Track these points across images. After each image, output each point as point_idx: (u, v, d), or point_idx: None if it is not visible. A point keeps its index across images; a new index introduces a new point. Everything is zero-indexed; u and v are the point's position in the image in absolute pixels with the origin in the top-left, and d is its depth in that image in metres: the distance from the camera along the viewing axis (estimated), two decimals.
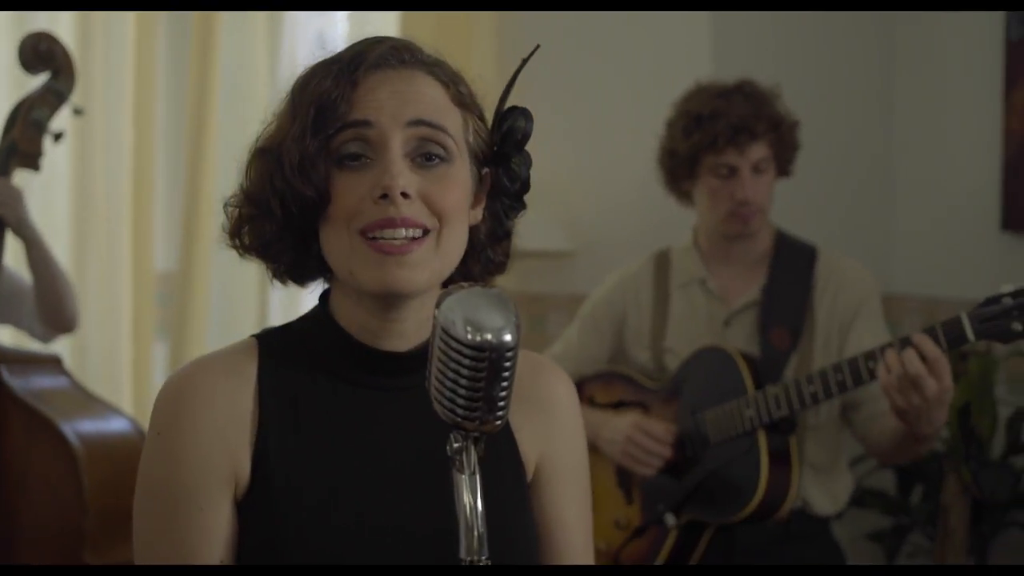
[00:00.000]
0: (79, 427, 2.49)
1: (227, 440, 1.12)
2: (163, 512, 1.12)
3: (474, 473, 0.94)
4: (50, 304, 2.66)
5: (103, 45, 3.42)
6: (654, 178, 2.35)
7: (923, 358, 1.79)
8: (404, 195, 1.08)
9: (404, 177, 1.09)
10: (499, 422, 0.93)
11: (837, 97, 3.04)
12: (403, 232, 1.09)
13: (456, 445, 0.95)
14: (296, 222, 1.13)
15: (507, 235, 1.23)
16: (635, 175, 2.73)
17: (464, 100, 1.18)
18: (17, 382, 2.54)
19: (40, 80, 2.70)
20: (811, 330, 2.20)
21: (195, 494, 1.11)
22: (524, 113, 1.20)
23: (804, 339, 2.20)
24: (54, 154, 3.13)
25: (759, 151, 2.18)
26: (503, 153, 1.19)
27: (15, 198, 2.58)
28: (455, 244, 1.14)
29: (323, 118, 1.10)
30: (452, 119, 1.14)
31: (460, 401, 0.91)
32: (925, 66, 3.05)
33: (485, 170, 1.19)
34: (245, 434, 1.12)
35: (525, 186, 1.22)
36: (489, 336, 0.89)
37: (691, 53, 2.91)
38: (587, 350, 2.37)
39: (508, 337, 0.90)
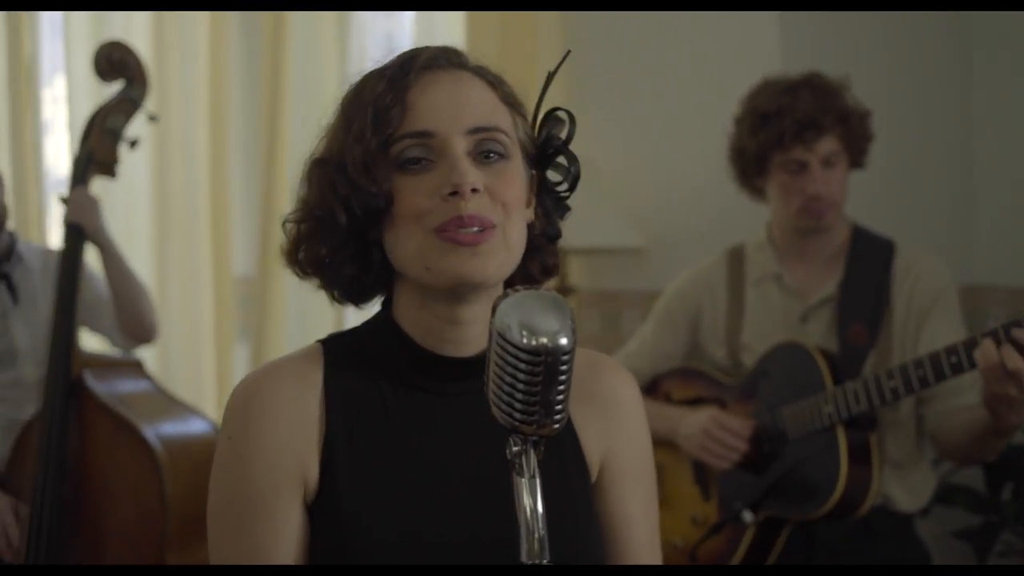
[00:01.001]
0: (160, 430, 2.53)
1: (295, 444, 1.13)
2: (235, 515, 1.14)
3: (534, 476, 0.94)
4: (128, 315, 2.71)
5: (177, 53, 3.48)
6: (726, 173, 2.34)
7: (1021, 352, 1.75)
8: (474, 190, 1.10)
9: (472, 173, 1.11)
10: (557, 425, 0.94)
11: (913, 86, 2.97)
12: (474, 230, 1.10)
13: (515, 449, 0.95)
14: (360, 228, 1.14)
15: (558, 236, 1.25)
16: (707, 170, 2.71)
17: (510, 99, 1.20)
18: (100, 386, 2.59)
19: (115, 89, 2.76)
20: (889, 326, 2.16)
21: (265, 497, 1.13)
22: (565, 116, 1.21)
23: (882, 335, 2.16)
24: (134, 162, 3.21)
25: (828, 145, 2.15)
26: (545, 156, 1.21)
27: (92, 207, 2.63)
28: (518, 238, 1.16)
29: (380, 120, 1.12)
30: (503, 117, 1.17)
31: (517, 405, 0.92)
32: (1003, 52, 2.97)
33: (533, 171, 1.21)
34: (312, 439, 1.14)
35: (572, 187, 1.24)
36: (545, 340, 0.89)
37: (760, 46, 2.87)
38: (662, 347, 2.36)
39: (564, 341, 0.90)
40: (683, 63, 3.07)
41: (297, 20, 3.41)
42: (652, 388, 2.35)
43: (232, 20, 3.49)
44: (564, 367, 0.91)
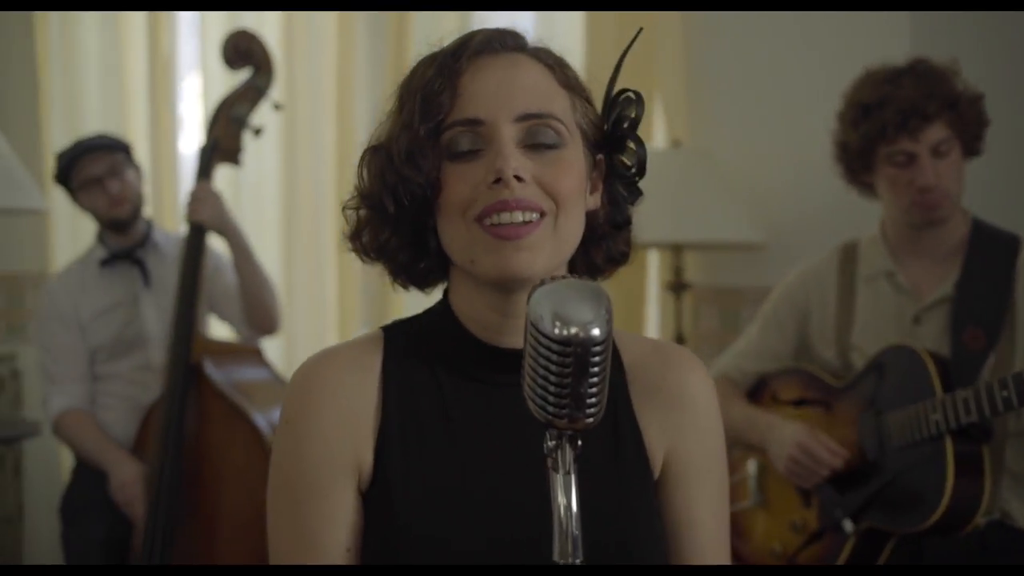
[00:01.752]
0: (273, 417, 2.59)
1: (351, 430, 1.13)
2: (289, 499, 1.14)
3: (569, 473, 0.92)
4: (252, 305, 2.79)
5: (306, 47, 3.55)
6: None
7: None
8: (518, 178, 1.08)
9: (516, 160, 1.09)
10: (591, 419, 0.90)
11: None
12: (519, 216, 1.08)
13: (551, 443, 0.92)
14: (409, 216, 1.13)
15: (627, 223, 1.20)
16: (829, 164, 2.61)
17: (571, 83, 1.17)
18: (218, 373, 2.67)
19: (242, 77, 2.83)
20: (1012, 330, 2.03)
21: (319, 482, 1.13)
22: (635, 97, 1.16)
23: (1003, 339, 2.03)
24: (262, 153, 3.29)
25: (936, 133, 2.04)
26: (615, 138, 1.17)
27: (214, 201, 2.71)
28: (572, 229, 1.13)
29: (429, 107, 1.11)
30: (560, 102, 1.14)
31: (550, 398, 0.89)
32: None
33: (599, 156, 1.18)
34: (368, 426, 1.14)
35: (641, 171, 1.18)
36: (575, 330, 0.86)
37: (889, 40, 2.75)
38: (769, 347, 2.29)
39: (596, 331, 0.87)
40: (805, 54, 2.97)
41: (420, 19, 3.43)
42: (759, 388, 2.28)
43: (359, 17, 3.53)
44: (596, 358, 0.88)
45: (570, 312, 0.87)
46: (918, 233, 2.13)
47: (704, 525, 1.19)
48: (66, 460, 2.87)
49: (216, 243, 2.86)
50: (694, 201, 2.91)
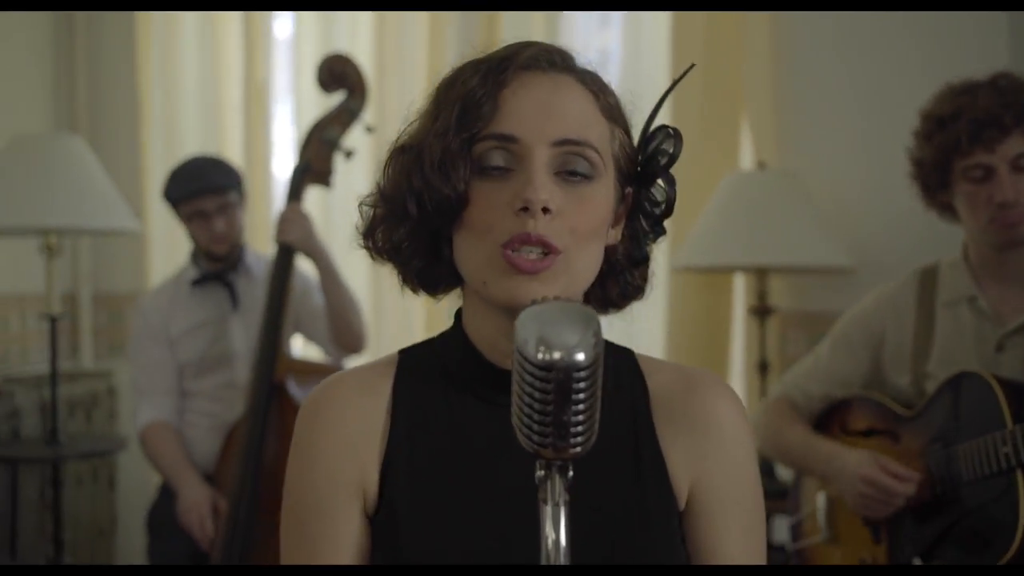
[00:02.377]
0: None
1: (357, 454, 1.13)
2: (297, 519, 1.15)
3: (558, 505, 0.87)
4: (338, 325, 2.82)
5: (397, 69, 3.58)
6: None
7: None
8: (545, 210, 1.06)
9: (547, 191, 1.06)
10: (577, 449, 0.86)
11: None
12: (536, 251, 1.06)
13: (540, 473, 0.88)
14: (430, 223, 1.11)
15: (645, 259, 1.18)
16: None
17: (612, 112, 1.14)
18: (301, 392, 2.70)
19: (336, 99, 2.87)
20: None
21: (325, 504, 1.12)
22: (673, 134, 1.14)
23: None
24: (353, 174, 3.33)
25: (1015, 145, 1.95)
26: (648, 174, 1.15)
27: (303, 222, 2.74)
28: (588, 263, 1.10)
29: (467, 117, 1.08)
30: (598, 131, 1.11)
31: (534, 427, 0.85)
32: None
33: (628, 189, 1.15)
34: (374, 449, 1.13)
35: (668, 209, 1.17)
36: (558, 355, 0.82)
37: (985, 59, 2.65)
38: (837, 370, 2.21)
39: (581, 356, 0.82)
40: (895, 75, 2.89)
41: (508, 30, 3.43)
42: (826, 417, 2.21)
43: (449, 35, 3.56)
44: (581, 384, 0.83)
45: (554, 336, 0.83)
46: (1002, 255, 2.03)
47: (731, 559, 1.14)
48: (156, 474, 2.94)
49: (304, 265, 2.90)
50: (779, 224, 2.84)
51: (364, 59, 3.48)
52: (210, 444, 2.84)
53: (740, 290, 3.13)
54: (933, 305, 2.11)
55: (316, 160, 2.81)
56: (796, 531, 2.26)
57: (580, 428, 0.85)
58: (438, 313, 3.71)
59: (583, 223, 1.08)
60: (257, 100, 3.76)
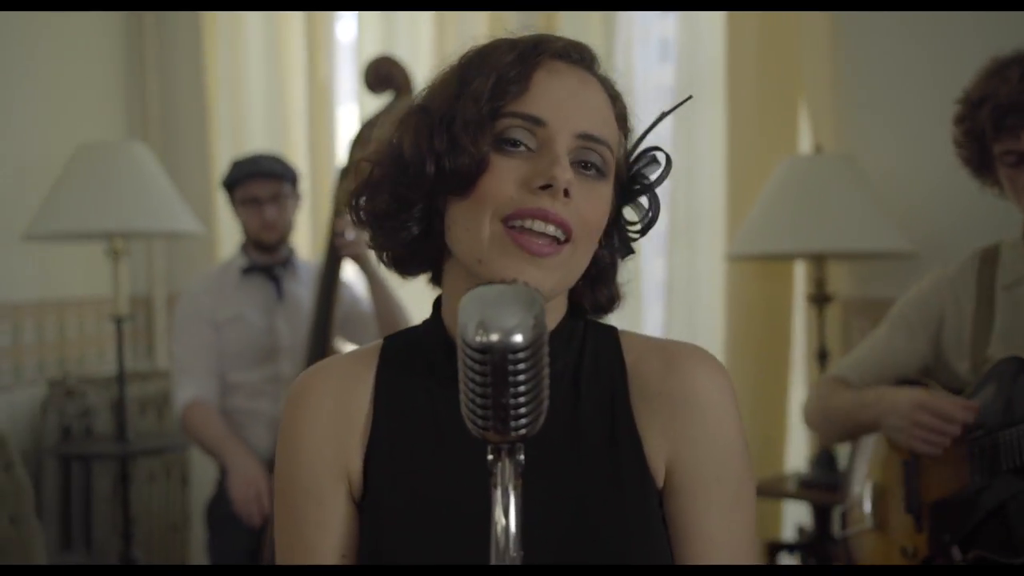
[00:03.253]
0: None
1: (339, 439, 1.13)
2: (286, 504, 1.16)
3: (508, 489, 0.85)
4: (387, 330, 2.85)
5: (428, 65, 3.59)
6: None
7: None
8: (566, 193, 1.05)
9: (570, 173, 1.06)
10: (521, 432, 0.84)
11: None
12: (552, 229, 1.05)
13: (490, 457, 0.86)
14: (445, 186, 1.08)
15: (613, 269, 1.18)
16: None
17: (622, 119, 1.15)
18: None
19: (384, 100, 2.90)
20: None
21: (311, 490, 1.13)
22: (661, 156, 1.15)
23: None
24: None
25: None
26: (631, 190, 1.15)
27: (358, 240, 2.75)
28: (583, 261, 1.11)
29: (500, 89, 1.08)
30: (613, 134, 1.12)
31: (477, 410, 0.84)
32: None
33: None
34: (357, 435, 1.13)
35: (645, 230, 1.17)
36: (495, 337, 0.80)
37: None
38: (894, 354, 2.12)
39: (518, 338, 0.80)
40: (954, 57, 2.79)
41: (566, 30, 3.42)
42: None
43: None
44: (519, 366, 0.81)
45: (493, 318, 0.81)
46: None
47: (713, 539, 1.10)
48: (218, 468, 2.98)
49: (349, 273, 2.94)
50: (837, 209, 2.77)
51: (425, 61, 3.51)
52: (262, 440, 2.84)
53: (800, 277, 3.06)
54: (994, 287, 2.02)
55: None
56: (844, 519, 2.19)
57: (522, 411, 0.83)
58: None
59: (593, 215, 1.08)
60: (321, 102, 3.81)
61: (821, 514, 2.77)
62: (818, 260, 2.86)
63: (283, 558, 1.16)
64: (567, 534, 1.07)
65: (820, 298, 2.85)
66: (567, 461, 1.09)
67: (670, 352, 1.14)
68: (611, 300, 1.18)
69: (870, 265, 2.97)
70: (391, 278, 2.97)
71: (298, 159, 3.77)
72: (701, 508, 1.10)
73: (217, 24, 4.00)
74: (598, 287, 1.16)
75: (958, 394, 1.98)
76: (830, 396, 2.13)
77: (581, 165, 1.08)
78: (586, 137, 1.08)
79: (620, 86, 1.16)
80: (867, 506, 2.07)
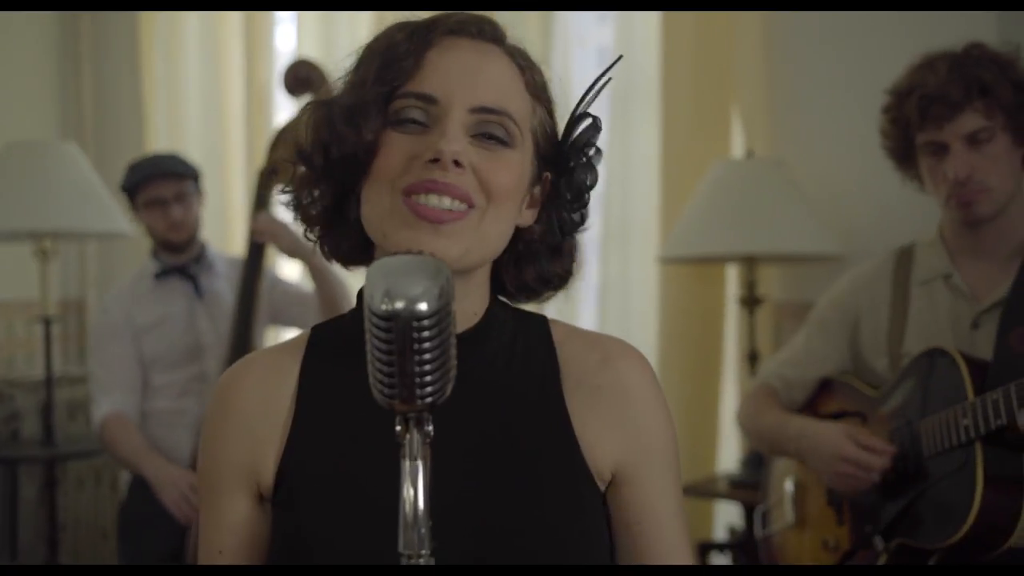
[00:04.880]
0: None
1: (254, 436, 1.11)
2: (201, 499, 1.16)
3: (416, 459, 0.85)
4: (329, 306, 2.84)
5: None
6: None
7: None
8: (456, 163, 1.04)
9: (459, 144, 1.04)
10: (428, 400, 0.84)
11: None
12: (447, 202, 1.04)
13: (398, 428, 0.86)
14: (336, 175, 1.09)
15: (561, 249, 1.16)
16: None
17: (536, 89, 1.13)
18: None
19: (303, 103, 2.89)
20: None
21: (216, 486, 1.13)
22: (596, 122, 1.13)
23: None
24: None
25: (971, 121, 1.88)
26: (567, 159, 1.13)
27: (283, 230, 2.76)
28: (498, 229, 1.09)
29: (387, 71, 1.07)
30: (520, 104, 1.10)
31: (383, 379, 0.84)
32: None
33: (546, 174, 1.14)
34: (275, 432, 1.11)
35: (582, 201, 1.15)
36: (400, 305, 0.81)
37: (973, 27, 2.58)
38: (814, 357, 2.16)
39: (423, 306, 0.81)
40: (887, 60, 2.81)
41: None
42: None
43: None
44: (425, 334, 0.82)
45: (398, 286, 0.81)
46: (974, 233, 1.98)
47: (669, 525, 1.14)
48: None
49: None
50: (768, 212, 2.80)
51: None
52: (185, 440, 2.82)
53: (732, 280, 3.08)
54: (908, 284, 2.06)
55: (281, 162, 2.84)
56: (765, 518, 2.21)
57: (428, 379, 0.83)
58: None
59: (497, 180, 1.06)
60: (259, 107, 3.79)
61: (752, 514, 2.79)
62: (749, 263, 2.89)
63: (199, 554, 1.16)
64: (495, 520, 1.06)
65: (751, 300, 2.88)
66: (496, 445, 1.09)
67: (604, 347, 1.16)
68: (542, 280, 1.16)
69: (800, 268, 3.00)
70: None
71: (236, 163, 3.75)
72: (656, 494, 1.13)
73: (155, 26, 3.97)
74: (523, 266, 1.15)
75: (876, 389, 2.01)
76: (758, 414, 2.16)
77: (484, 137, 1.07)
78: (483, 110, 1.06)
79: (555, 84, 1.15)
80: (788, 503, 2.09)
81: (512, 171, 1.08)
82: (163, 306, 2.91)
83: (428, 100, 1.06)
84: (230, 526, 1.12)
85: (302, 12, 3.75)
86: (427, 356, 0.83)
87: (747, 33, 3.01)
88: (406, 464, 0.85)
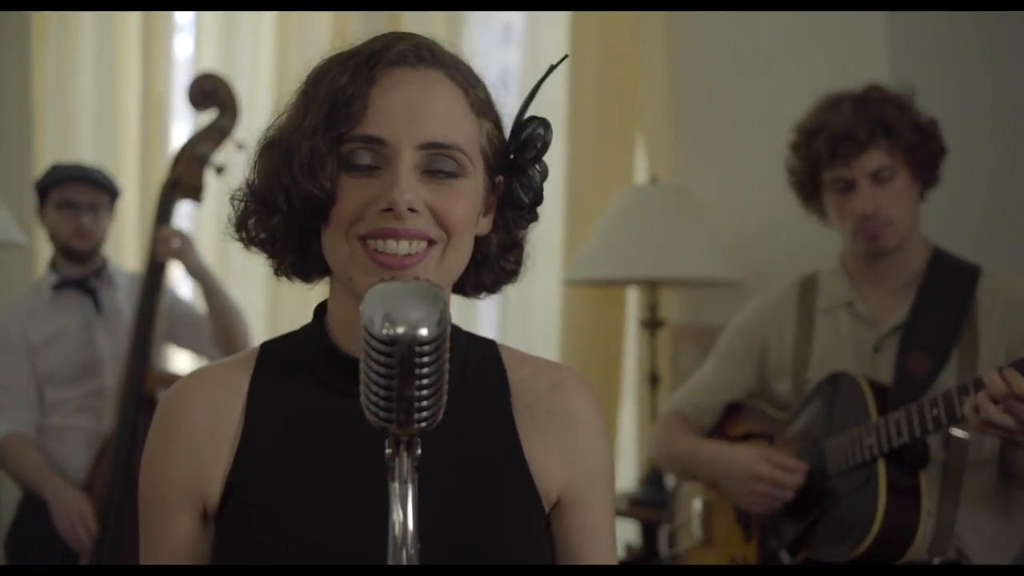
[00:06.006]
0: None
1: (199, 455, 1.10)
2: (140, 518, 1.14)
3: (406, 483, 0.86)
4: (222, 331, 2.79)
5: (268, 82, 3.56)
6: None
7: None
8: (411, 210, 1.06)
9: (412, 192, 1.06)
10: (421, 424, 0.85)
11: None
12: (404, 245, 1.06)
13: (388, 451, 0.87)
14: (300, 219, 1.10)
15: (517, 244, 1.20)
16: None
17: (481, 106, 1.14)
18: None
19: (208, 117, 2.85)
20: (971, 355, 1.94)
21: (158, 504, 1.11)
22: (543, 123, 1.15)
23: (965, 366, 1.94)
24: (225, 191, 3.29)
25: (875, 159, 1.99)
26: (519, 163, 1.15)
27: (188, 246, 2.73)
28: (459, 257, 1.12)
29: (337, 115, 1.07)
30: (466, 129, 1.11)
31: (380, 402, 0.85)
32: None
33: (498, 178, 1.16)
34: (223, 448, 1.11)
35: (538, 197, 1.18)
36: (402, 329, 0.83)
37: (867, 64, 2.69)
38: (724, 382, 2.22)
39: (424, 332, 0.83)
40: (787, 90, 2.92)
41: (411, 28, 3.43)
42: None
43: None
44: (425, 359, 0.84)
45: (399, 312, 0.83)
46: (875, 263, 2.07)
47: (609, 546, 1.19)
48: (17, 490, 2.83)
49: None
50: (670, 237, 2.86)
51: (265, 77, 3.46)
52: (80, 457, 2.74)
53: (633, 303, 3.13)
54: (813, 312, 2.14)
55: (186, 176, 2.81)
56: (672, 538, 2.25)
57: (425, 403, 0.85)
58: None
59: (452, 217, 1.08)
60: (155, 116, 3.73)
61: (649, 532, 2.83)
62: (651, 286, 2.94)
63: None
64: (444, 539, 1.06)
65: (652, 323, 2.93)
66: (449, 468, 1.10)
67: (553, 374, 1.20)
68: (497, 280, 1.20)
69: (700, 292, 3.07)
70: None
71: (128, 172, 3.67)
72: (596, 517, 1.18)
73: (47, 28, 3.86)
74: (481, 270, 1.18)
75: (782, 411, 2.07)
76: (670, 440, 2.22)
77: (434, 172, 1.08)
78: (431, 146, 1.07)
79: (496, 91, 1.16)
80: (697, 522, 2.14)
81: (467, 201, 1.10)
82: (60, 320, 2.82)
83: (377, 142, 1.07)
84: (171, 547, 1.11)
85: (201, 21, 3.70)
86: (425, 381, 0.85)
87: (652, 61, 3.08)
88: (395, 487, 0.87)
